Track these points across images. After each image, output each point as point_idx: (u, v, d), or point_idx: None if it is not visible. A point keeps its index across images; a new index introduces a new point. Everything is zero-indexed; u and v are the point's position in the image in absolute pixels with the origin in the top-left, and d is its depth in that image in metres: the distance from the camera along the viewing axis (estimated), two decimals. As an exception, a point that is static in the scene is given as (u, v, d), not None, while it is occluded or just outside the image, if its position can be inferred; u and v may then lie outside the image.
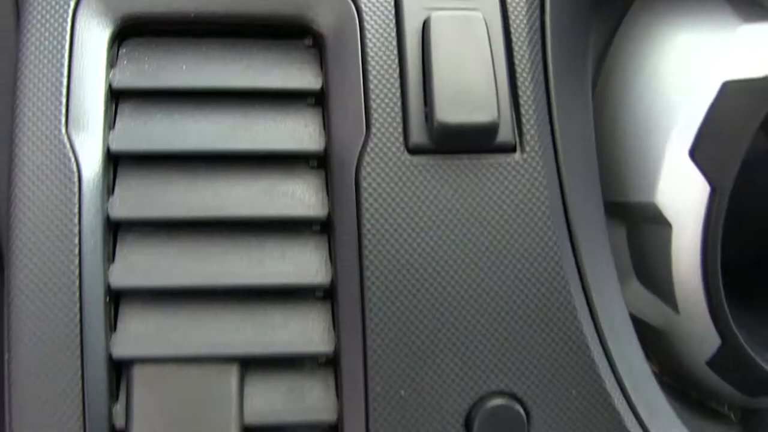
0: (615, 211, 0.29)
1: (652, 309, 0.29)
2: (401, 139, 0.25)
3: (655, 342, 0.28)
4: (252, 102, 0.26)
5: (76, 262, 0.24)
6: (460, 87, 0.24)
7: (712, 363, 0.28)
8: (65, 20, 0.25)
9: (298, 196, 0.25)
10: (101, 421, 0.24)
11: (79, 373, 0.23)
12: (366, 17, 0.25)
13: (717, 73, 0.27)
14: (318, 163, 0.26)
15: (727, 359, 0.28)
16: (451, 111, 0.24)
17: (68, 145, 0.24)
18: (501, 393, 0.24)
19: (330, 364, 0.25)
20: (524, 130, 0.25)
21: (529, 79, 0.25)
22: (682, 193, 0.27)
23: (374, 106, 0.25)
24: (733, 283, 0.28)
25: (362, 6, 0.25)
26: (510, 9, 0.26)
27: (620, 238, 0.30)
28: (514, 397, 0.24)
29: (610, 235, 0.28)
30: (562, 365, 0.24)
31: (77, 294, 0.24)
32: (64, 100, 0.25)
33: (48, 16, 0.25)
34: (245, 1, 0.26)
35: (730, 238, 0.27)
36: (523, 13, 0.26)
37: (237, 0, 0.26)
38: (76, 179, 0.24)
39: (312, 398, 0.24)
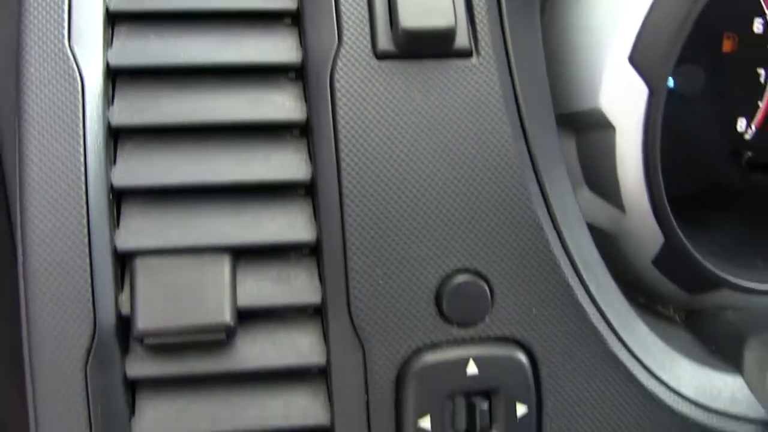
0: (564, 122, 0.31)
1: (601, 213, 0.31)
2: (369, 47, 0.27)
3: (605, 247, 0.30)
4: (236, 22, 0.28)
5: (82, 162, 0.26)
6: None
7: (657, 261, 0.30)
8: None
9: (280, 103, 0.27)
10: (109, 309, 0.26)
11: (88, 265, 0.25)
12: None
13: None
14: (296, 74, 0.28)
15: (670, 257, 0.30)
16: (412, 18, 0.27)
17: (72, 58, 0.26)
18: (466, 270, 0.26)
19: (313, 253, 0.27)
20: (479, 37, 0.28)
21: None
22: (623, 97, 0.29)
23: (345, 18, 0.27)
24: (682, 209, 0.30)
25: None
26: None
27: (570, 149, 0.32)
28: (478, 274, 0.26)
29: (560, 147, 0.29)
30: (520, 245, 0.27)
31: (83, 193, 0.25)
32: (66, 18, 0.27)
33: None
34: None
35: (677, 167, 0.29)
36: None
37: None
38: (79, 88, 0.26)
39: (298, 283, 0.26)
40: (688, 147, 0.34)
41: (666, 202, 0.29)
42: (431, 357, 0.26)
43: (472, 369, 0.25)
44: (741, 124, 0.38)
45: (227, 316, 0.25)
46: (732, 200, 0.37)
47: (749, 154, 0.38)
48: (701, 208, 0.36)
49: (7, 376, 0.39)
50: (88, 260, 0.25)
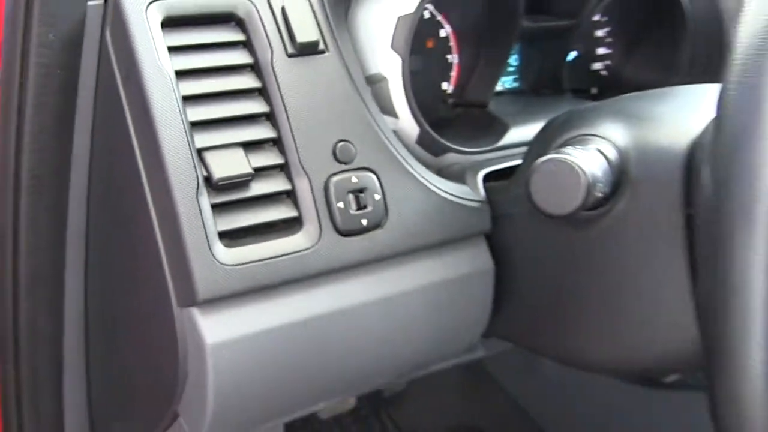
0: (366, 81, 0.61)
1: (391, 123, 0.61)
2: (286, 52, 0.53)
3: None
4: None
5: None
6: None
7: (418, 141, 0.61)
8: None
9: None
10: None
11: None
12: None
13: None
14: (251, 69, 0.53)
15: (422, 137, 0.60)
16: (300, 35, 0.53)
17: None
18: (346, 140, 0.54)
19: None
20: (326, 40, 0.54)
21: None
22: (390, 65, 0.59)
23: (272, 37, 0.53)
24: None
25: None
26: None
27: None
28: (351, 143, 0.54)
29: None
30: (368, 134, 0.56)
31: None
32: None
33: None
34: None
35: (420, 103, 0.61)
36: None
37: None
38: None
39: None
40: (423, 94, 0.66)
41: (418, 111, 0.60)
42: (335, 177, 0.52)
43: (354, 180, 0.53)
44: (444, 85, 0.72)
45: None
46: (452, 119, 0.69)
47: (450, 100, 0.72)
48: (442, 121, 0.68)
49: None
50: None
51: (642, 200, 0.50)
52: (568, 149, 0.49)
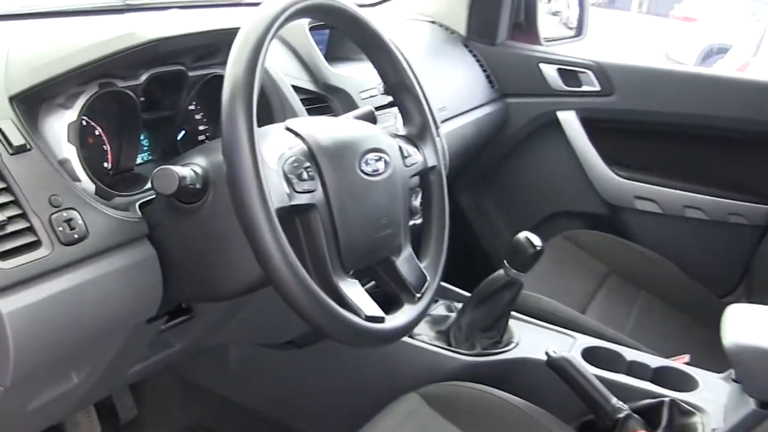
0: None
1: None
2: None
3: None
4: None
5: None
6: None
7: (96, 194, 1.04)
8: None
9: None
10: None
11: None
12: None
13: None
14: None
15: (100, 192, 1.04)
16: None
17: None
18: None
19: None
20: None
21: None
22: None
23: None
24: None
25: None
26: None
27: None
28: None
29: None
30: None
31: None
32: None
33: None
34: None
35: None
36: None
37: None
38: None
39: None
40: (94, 168, 1.08)
41: (93, 177, 1.03)
42: (54, 215, 0.91)
43: (65, 215, 0.91)
44: (105, 164, 1.15)
45: None
46: (115, 180, 1.13)
47: (111, 171, 1.16)
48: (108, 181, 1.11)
49: None
50: None
51: (219, 192, 0.97)
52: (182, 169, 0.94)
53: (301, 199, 0.91)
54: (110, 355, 1.06)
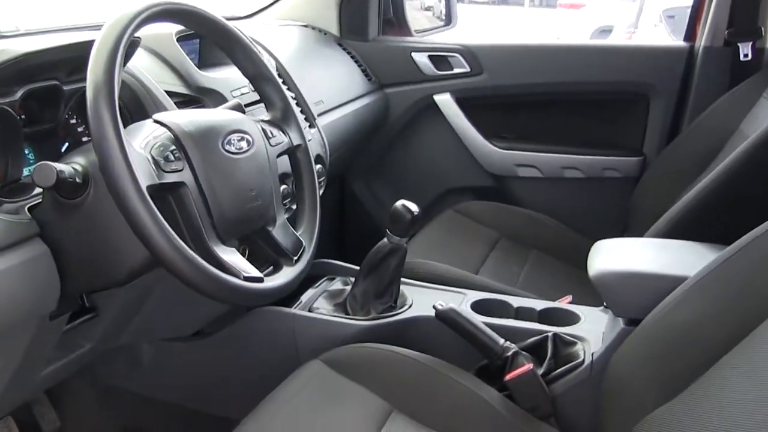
0: None
1: None
2: None
3: None
4: None
5: None
6: None
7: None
8: None
9: None
10: None
11: None
12: None
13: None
14: None
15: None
16: None
17: None
18: None
19: None
20: None
21: None
22: None
23: None
24: None
25: None
26: None
27: None
28: None
29: None
30: None
31: None
32: None
33: None
34: None
35: None
36: None
37: None
38: None
39: None
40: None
41: None
42: None
43: None
44: None
45: None
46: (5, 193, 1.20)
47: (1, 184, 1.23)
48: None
49: None
50: None
51: (99, 185, 1.05)
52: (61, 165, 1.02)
53: (170, 178, 1.01)
54: (17, 356, 1.11)
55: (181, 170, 1.03)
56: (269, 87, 1.22)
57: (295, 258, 1.16)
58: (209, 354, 1.59)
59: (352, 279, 1.65)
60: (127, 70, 1.35)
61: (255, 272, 1.05)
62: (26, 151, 1.24)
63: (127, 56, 1.18)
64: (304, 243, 1.15)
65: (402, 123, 2.33)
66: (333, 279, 1.65)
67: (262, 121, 1.23)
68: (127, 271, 1.10)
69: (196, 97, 1.47)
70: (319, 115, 1.86)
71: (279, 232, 1.13)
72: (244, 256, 1.09)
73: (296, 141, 1.25)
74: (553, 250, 2.06)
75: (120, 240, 1.06)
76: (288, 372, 1.34)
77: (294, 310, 1.54)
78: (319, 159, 1.71)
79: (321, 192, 1.66)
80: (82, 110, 1.24)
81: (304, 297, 1.62)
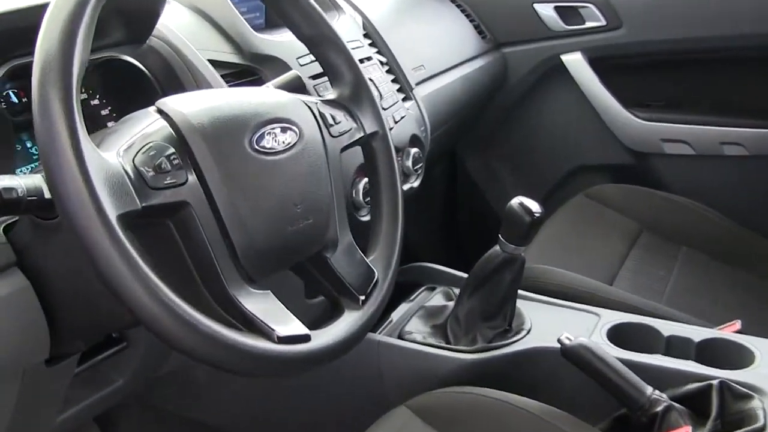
0: None
1: None
2: None
3: None
4: None
5: None
6: None
7: None
8: None
9: None
10: None
11: None
12: None
13: None
14: None
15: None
16: None
17: None
18: None
19: None
20: None
21: None
22: None
23: None
24: None
25: None
26: None
27: None
28: None
29: None
30: None
31: None
32: None
33: None
34: None
35: None
36: None
37: None
38: None
39: None
40: None
41: None
42: None
43: None
44: None
45: None
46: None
47: None
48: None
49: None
50: None
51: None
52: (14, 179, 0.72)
53: (163, 198, 0.69)
54: (5, 412, 0.88)
55: (182, 184, 0.71)
56: (333, 53, 0.90)
57: (363, 298, 0.83)
58: (276, 381, 1.32)
59: (457, 291, 1.34)
60: (160, 34, 1.05)
61: (296, 327, 0.74)
62: (28, 145, 0.98)
63: (109, 25, 0.88)
64: (376, 274, 0.82)
65: (522, 89, 2.00)
66: (433, 289, 1.38)
67: (322, 101, 0.89)
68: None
69: (250, 67, 1.15)
70: (418, 83, 1.52)
71: (341, 259, 0.82)
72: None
73: (370, 127, 0.92)
74: (710, 248, 1.66)
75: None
76: (368, 411, 1.10)
77: (380, 335, 1.25)
78: (414, 141, 1.36)
79: (417, 182, 1.33)
80: (106, 87, 1.02)
81: (395, 315, 1.33)
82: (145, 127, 0.72)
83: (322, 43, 0.91)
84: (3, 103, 0.91)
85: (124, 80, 1.07)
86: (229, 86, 1.08)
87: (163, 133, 0.72)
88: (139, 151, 0.69)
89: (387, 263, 0.88)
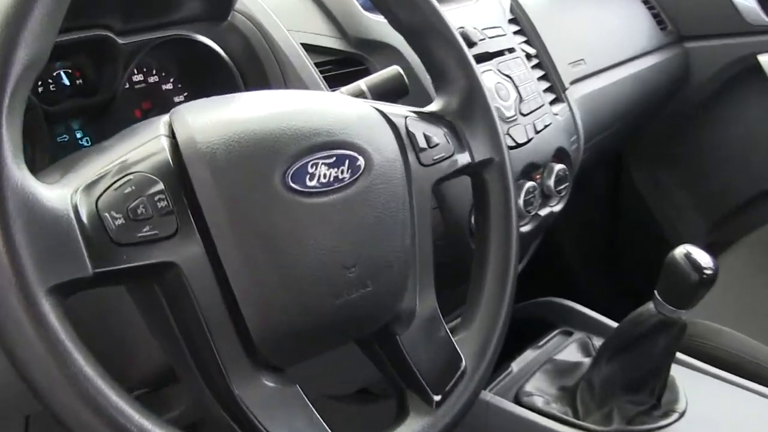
0: None
1: None
2: None
3: None
4: None
5: None
6: None
7: None
8: None
9: None
10: None
11: None
12: None
13: None
14: None
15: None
16: None
17: None
18: None
19: None
20: None
21: None
22: None
23: None
24: None
25: None
26: None
27: None
28: None
29: None
30: None
31: None
32: None
33: None
34: None
35: None
36: None
37: None
38: None
39: None
40: None
41: None
42: None
43: None
44: None
45: None
46: None
47: None
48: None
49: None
50: None
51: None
52: None
53: (134, 257, 0.48)
54: None
55: (168, 237, 0.49)
56: (440, 47, 0.68)
57: (438, 398, 0.60)
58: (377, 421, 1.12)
59: (598, 342, 1.10)
60: (245, 9, 0.86)
61: None
62: (78, 135, 0.82)
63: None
64: (463, 362, 0.59)
65: (706, 92, 1.71)
66: (570, 335, 1.16)
67: (416, 114, 0.66)
68: (140, 374, 0.63)
69: (355, 55, 0.93)
70: (573, 81, 1.26)
71: (415, 338, 0.59)
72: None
73: (482, 153, 0.67)
74: None
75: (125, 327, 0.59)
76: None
77: (492, 395, 1.02)
78: (560, 154, 1.11)
79: (560, 206, 1.08)
80: (183, 69, 0.88)
81: (515, 365, 1.10)
82: (135, 148, 0.51)
83: (425, 34, 0.68)
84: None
85: (204, 64, 0.89)
86: (324, 78, 0.87)
87: (154, 161, 0.50)
88: (108, 187, 0.48)
89: (482, 348, 0.64)
